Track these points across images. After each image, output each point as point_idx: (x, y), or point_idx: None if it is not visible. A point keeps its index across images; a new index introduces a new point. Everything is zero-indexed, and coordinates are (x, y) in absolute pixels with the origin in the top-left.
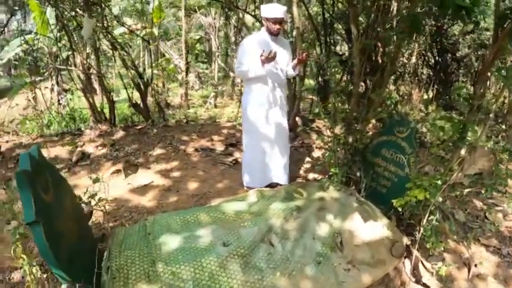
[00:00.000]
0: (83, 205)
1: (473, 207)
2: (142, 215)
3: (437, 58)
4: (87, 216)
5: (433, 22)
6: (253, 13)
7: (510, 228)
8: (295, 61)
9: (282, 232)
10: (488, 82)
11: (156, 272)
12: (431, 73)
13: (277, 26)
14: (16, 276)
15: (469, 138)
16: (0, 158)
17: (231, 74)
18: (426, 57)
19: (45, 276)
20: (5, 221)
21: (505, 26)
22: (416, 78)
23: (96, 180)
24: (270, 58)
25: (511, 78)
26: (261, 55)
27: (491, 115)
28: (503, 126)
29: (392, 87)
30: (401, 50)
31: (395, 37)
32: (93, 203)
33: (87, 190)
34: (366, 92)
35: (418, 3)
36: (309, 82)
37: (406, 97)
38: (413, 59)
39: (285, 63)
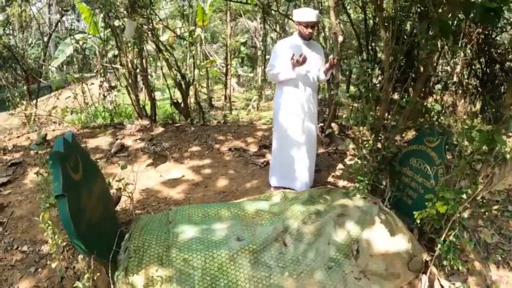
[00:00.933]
0: (113, 191)
1: (507, 227)
2: (168, 205)
3: (484, 68)
4: (115, 201)
5: (480, 30)
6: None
7: None
8: (327, 66)
9: (297, 234)
10: None
11: (169, 257)
12: (478, 84)
13: (309, 30)
14: (45, 248)
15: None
16: (45, 145)
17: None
18: (473, 67)
19: (64, 244)
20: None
21: None
22: (462, 88)
23: (123, 167)
24: (300, 62)
25: None
26: (292, 58)
27: None
28: None
29: (437, 97)
30: (433, 57)
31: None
32: (117, 187)
33: (114, 177)
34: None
35: (450, 8)
36: (352, 89)
37: (450, 108)
38: (458, 68)
39: (317, 67)
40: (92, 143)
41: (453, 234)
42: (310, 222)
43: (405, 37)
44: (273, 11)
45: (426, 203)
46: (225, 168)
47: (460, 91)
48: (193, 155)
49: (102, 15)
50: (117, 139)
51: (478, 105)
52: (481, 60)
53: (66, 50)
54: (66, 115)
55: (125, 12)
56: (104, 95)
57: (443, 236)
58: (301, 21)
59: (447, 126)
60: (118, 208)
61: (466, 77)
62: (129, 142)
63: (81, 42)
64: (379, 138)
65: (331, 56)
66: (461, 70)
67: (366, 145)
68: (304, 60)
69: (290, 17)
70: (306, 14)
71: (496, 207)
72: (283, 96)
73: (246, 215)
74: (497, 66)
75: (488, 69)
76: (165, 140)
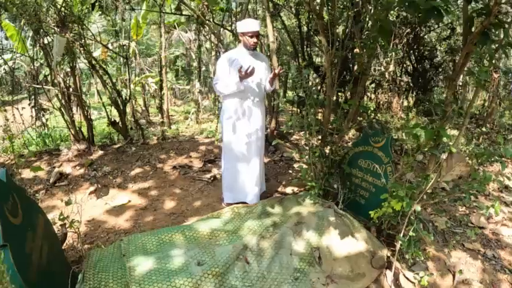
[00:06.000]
0: (58, 227)
1: (456, 212)
2: (119, 235)
3: (415, 65)
4: (61, 238)
5: (409, 30)
6: (230, 28)
7: (494, 230)
8: (271, 76)
9: (258, 249)
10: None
11: None
12: (410, 80)
13: (254, 40)
14: None
15: (451, 144)
16: None
17: (211, 89)
18: (404, 65)
19: None
20: None
21: (473, 30)
22: (396, 86)
23: (68, 203)
24: (248, 74)
25: (482, 80)
26: (239, 71)
27: (467, 119)
28: (484, 129)
29: (372, 95)
30: (372, 59)
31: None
32: (66, 225)
33: (61, 213)
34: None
35: (387, 9)
36: (290, 94)
37: (385, 105)
38: (391, 67)
39: (264, 77)
40: (27, 173)
41: (412, 229)
42: (269, 235)
43: (339, 41)
44: (208, 22)
45: (383, 203)
46: (171, 187)
47: (396, 88)
48: (137, 177)
49: (30, 32)
50: (54, 167)
51: (411, 100)
52: (411, 57)
53: None
54: None
55: (55, 28)
56: (35, 118)
57: (402, 231)
58: (245, 32)
59: (384, 123)
60: (65, 246)
61: (398, 75)
62: (68, 169)
63: (10, 62)
64: (326, 142)
65: (275, 66)
66: (394, 69)
67: (314, 151)
68: (252, 72)
69: (225, 27)
70: (249, 24)
71: (446, 197)
72: (231, 109)
73: (201, 237)
74: (427, 62)
75: (418, 66)
76: (105, 164)
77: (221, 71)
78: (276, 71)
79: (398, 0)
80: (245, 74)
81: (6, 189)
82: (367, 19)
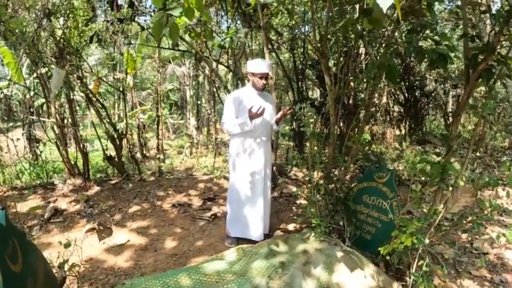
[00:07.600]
0: (56, 270)
1: (458, 239)
2: (119, 277)
3: (406, 95)
4: (61, 282)
5: (400, 61)
6: (226, 64)
7: (498, 255)
8: (279, 115)
9: None
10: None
11: None
12: (402, 110)
13: (263, 81)
14: None
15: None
16: None
17: (209, 123)
18: (396, 96)
19: None
20: None
21: (476, 66)
22: (388, 116)
23: (67, 246)
24: (259, 114)
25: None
26: (250, 110)
27: (470, 151)
28: (477, 154)
29: (365, 127)
30: (375, 95)
31: (367, 83)
32: (65, 267)
33: (59, 256)
34: (341, 136)
35: (393, 51)
36: (283, 128)
37: (380, 136)
38: (384, 99)
39: (270, 116)
40: (21, 207)
41: (425, 264)
42: (278, 276)
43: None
44: (206, 58)
45: (394, 240)
46: (171, 226)
47: (388, 119)
48: (136, 215)
49: (27, 61)
50: (49, 202)
51: (403, 129)
52: (403, 88)
53: None
54: None
55: (52, 59)
56: (29, 150)
57: (415, 267)
58: (255, 73)
59: (379, 154)
60: None
61: (392, 106)
62: (63, 205)
63: (5, 90)
64: (332, 180)
65: (283, 107)
66: (387, 100)
67: (319, 188)
68: (262, 112)
69: (222, 63)
70: (259, 66)
71: (453, 228)
72: (239, 147)
73: (209, 280)
74: (418, 91)
75: (409, 96)
76: (102, 201)
77: (229, 110)
78: (285, 112)
79: (407, 49)
80: (255, 114)
81: (6, 234)
82: (361, 54)
